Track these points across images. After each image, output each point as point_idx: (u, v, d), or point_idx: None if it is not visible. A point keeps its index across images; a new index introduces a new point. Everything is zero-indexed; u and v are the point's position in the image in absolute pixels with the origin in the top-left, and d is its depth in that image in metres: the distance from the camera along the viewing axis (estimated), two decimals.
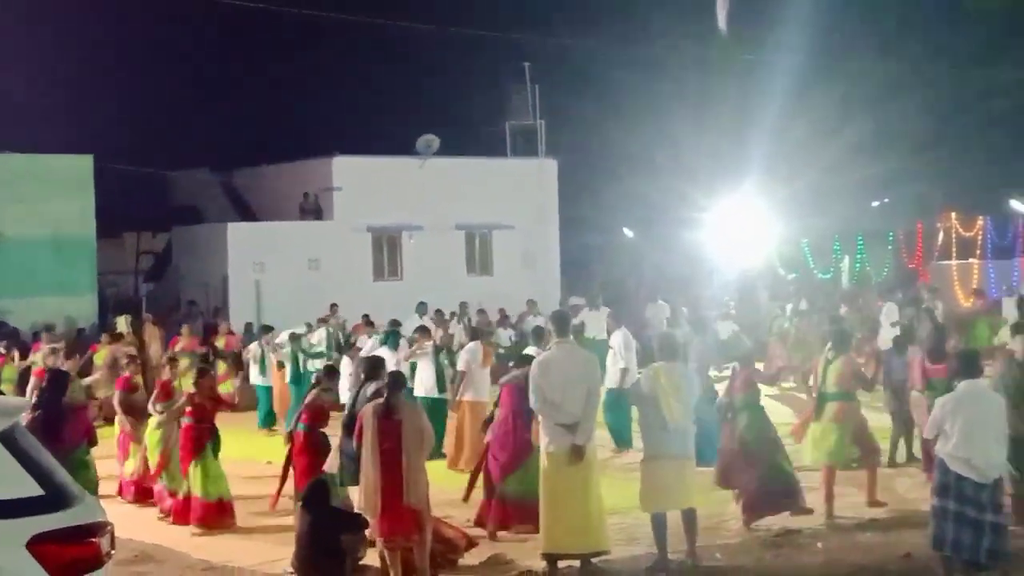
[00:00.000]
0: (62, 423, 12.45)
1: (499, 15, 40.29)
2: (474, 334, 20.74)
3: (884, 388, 17.87)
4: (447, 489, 15.35)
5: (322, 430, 14.45)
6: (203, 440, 14.93)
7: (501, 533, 13.92)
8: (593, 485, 12.07)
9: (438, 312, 29.25)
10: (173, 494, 15.31)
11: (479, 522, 14.20)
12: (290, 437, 14.73)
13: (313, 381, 15.96)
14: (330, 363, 19.65)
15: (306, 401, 14.91)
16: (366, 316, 27.89)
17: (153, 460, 15.31)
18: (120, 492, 16.58)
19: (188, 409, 15.08)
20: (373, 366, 13.85)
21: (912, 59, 41.32)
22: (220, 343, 28.57)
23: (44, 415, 12.51)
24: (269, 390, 24.13)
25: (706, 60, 39.12)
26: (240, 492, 15.74)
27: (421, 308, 29.06)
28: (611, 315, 23.99)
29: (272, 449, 20.71)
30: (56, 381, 13.36)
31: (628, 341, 19.71)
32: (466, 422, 18.36)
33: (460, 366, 18.95)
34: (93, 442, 13.32)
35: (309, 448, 14.33)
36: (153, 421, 15.14)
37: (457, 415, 18.64)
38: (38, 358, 20.15)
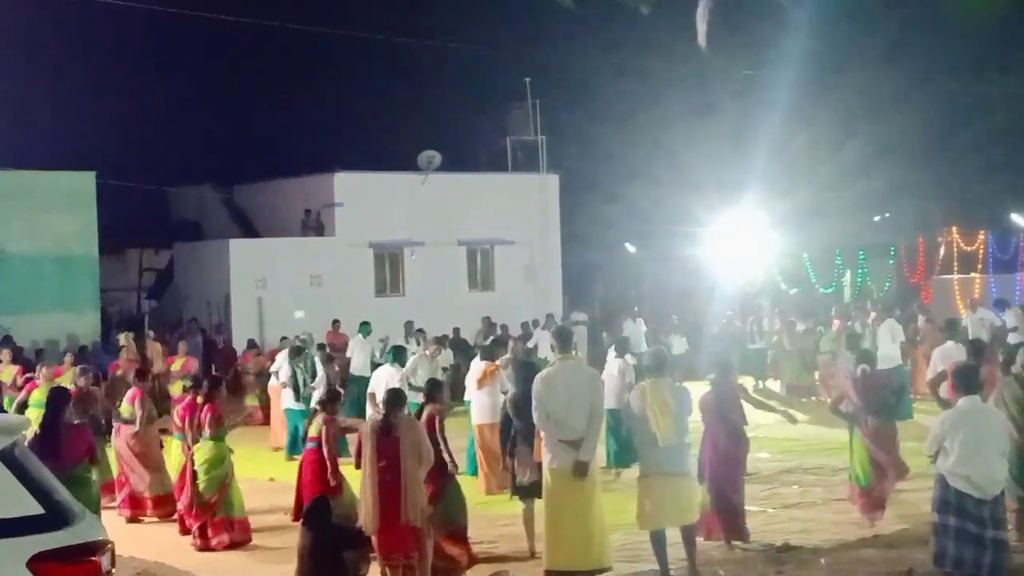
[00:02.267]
0: (62, 440, 12.44)
1: (500, 31, 40.39)
2: (485, 352, 20.36)
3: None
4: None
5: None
6: None
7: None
8: (596, 502, 12.04)
9: (419, 331, 29.06)
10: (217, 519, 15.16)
11: None
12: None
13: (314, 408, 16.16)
14: (332, 388, 19.71)
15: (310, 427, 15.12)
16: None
17: (212, 488, 15.09)
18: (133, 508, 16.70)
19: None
20: (395, 400, 13.24)
21: (912, 73, 41.38)
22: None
23: (43, 432, 12.51)
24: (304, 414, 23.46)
25: (706, 75, 39.15)
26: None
27: (409, 327, 29.30)
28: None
29: (276, 466, 20.77)
30: (57, 399, 13.36)
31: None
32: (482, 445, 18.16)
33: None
34: (94, 460, 13.31)
35: (316, 465, 14.41)
36: (209, 447, 14.98)
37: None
38: (68, 377, 20.15)
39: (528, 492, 13.29)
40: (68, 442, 12.56)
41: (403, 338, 27.94)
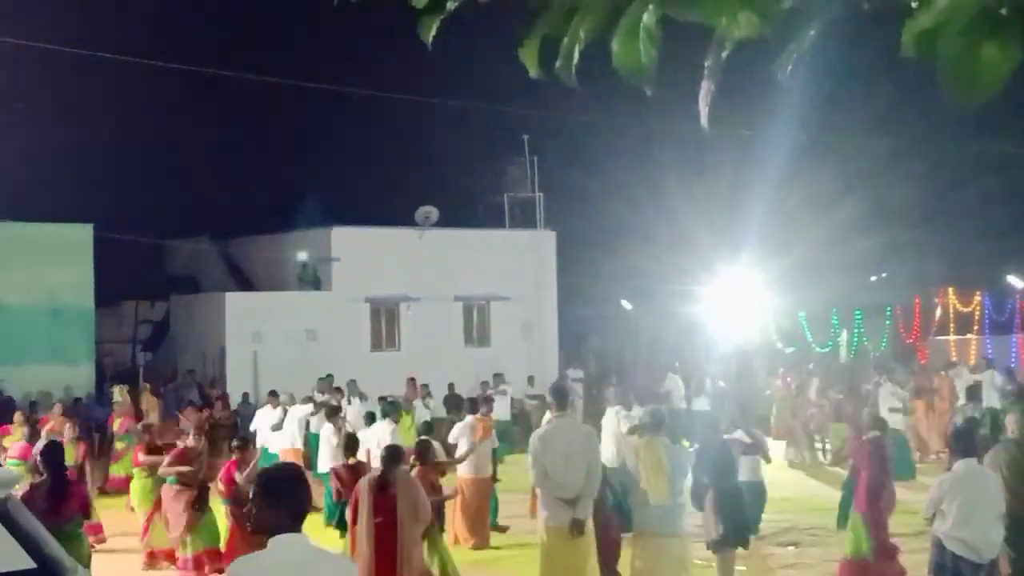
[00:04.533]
0: (66, 496, 12.47)
1: (499, 88, 40.56)
2: (472, 406, 20.51)
3: None
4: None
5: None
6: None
7: None
8: (591, 560, 12.02)
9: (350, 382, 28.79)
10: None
11: None
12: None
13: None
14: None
15: None
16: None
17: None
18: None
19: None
20: (393, 456, 13.14)
21: (908, 134, 41.55)
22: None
23: (51, 487, 12.54)
24: None
25: (703, 135, 39.26)
26: None
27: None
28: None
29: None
30: (56, 454, 13.35)
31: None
32: (461, 499, 18.06)
33: (450, 440, 18.81)
34: (88, 515, 13.27)
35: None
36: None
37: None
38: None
39: (720, 545, 13.37)
40: (68, 497, 12.55)
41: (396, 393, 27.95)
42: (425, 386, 30.19)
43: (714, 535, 13.40)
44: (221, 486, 15.30)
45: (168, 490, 16.08)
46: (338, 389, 28.18)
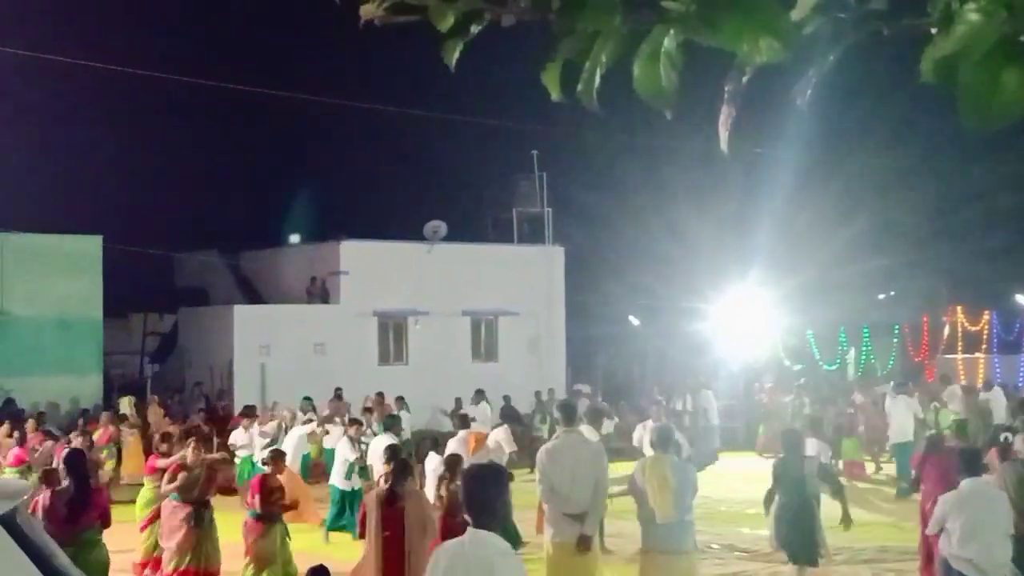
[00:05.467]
0: (89, 504, 12.49)
1: (508, 104, 40.66)
2: (463, 422, 20.54)
3: None
4: None
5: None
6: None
7: None
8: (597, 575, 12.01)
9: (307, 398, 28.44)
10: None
11: None
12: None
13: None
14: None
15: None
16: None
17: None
18: None
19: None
20: (403, 468, 13.13)
21: (917, 153, 41.59)
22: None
23: (74, 494, 12.55)
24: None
25: (712, 153, 39.27)
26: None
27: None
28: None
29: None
30: (80, 462, 13.35)
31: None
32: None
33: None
34: (107, 524, 13.28)
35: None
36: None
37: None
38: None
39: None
40: (88, 506, 12.57)
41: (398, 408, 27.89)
42: (400, 398, 29.76)
43: (775, 545, 13.79)
44: (249, 497, 15.14)
45: (167, 504, 15.92)
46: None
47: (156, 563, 16.36)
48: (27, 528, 7.64)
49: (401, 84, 49.89)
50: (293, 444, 22.32)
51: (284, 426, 24.20)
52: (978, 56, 2.40)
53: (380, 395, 29.25)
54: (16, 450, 21.64)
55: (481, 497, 6.44)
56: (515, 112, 41.10)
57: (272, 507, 14.74)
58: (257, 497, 14.71)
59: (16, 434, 23.12)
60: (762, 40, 2.45)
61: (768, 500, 13.86)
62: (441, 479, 14.44)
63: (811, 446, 16.71)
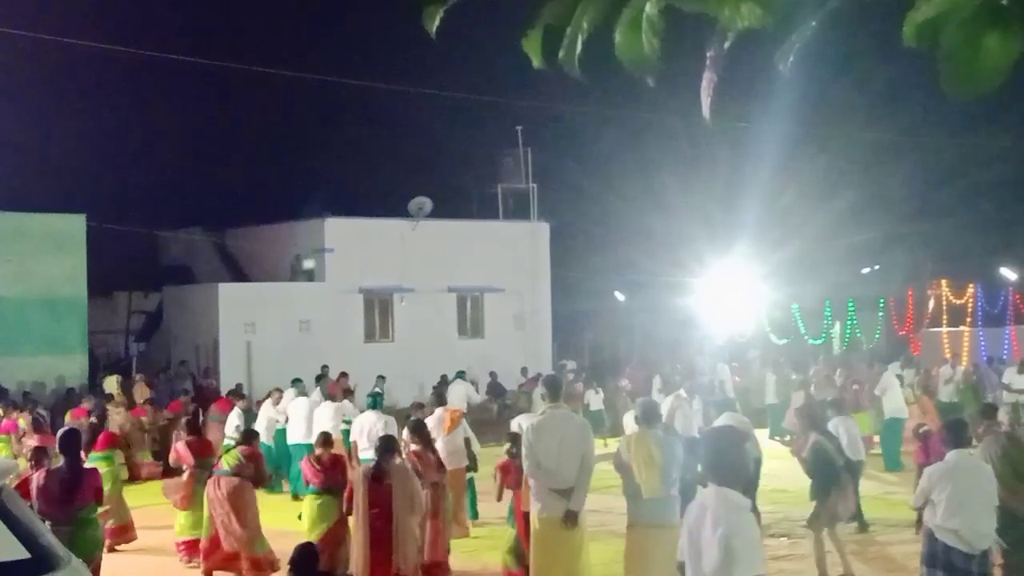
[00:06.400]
0: (82, 483, 12.49)
1: (492, 79, 40.56)
2: (439, 400, 20.42)
3: None
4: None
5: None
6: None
7: None
8: (584, 551, 12.02)
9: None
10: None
11: None
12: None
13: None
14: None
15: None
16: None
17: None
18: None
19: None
20: (388, 448, 13.12)
21: (902, 127, 41.60)
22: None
23: (68, 473, 12.55)
24: None
25: (697, 127, 39.29)
26: None
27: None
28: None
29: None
30: (74, 441, 13.34)
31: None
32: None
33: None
34: (101, 502, 13.28)
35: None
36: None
37: None
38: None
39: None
40: (83, 484, 12.58)
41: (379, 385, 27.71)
42: (381, 377, 29.18)
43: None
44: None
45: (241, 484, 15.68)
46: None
47: (193, 545, 16.24)
48: (13, 506, 7.63)
49: (385, 61, 49.76)
50: (329, 418, 21.94)
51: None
52: (960, 20, 2.38)
53: (344, 374, 28.69)
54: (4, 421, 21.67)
55: (725, 459, 7.48)
56: (500, 87, 41.09)
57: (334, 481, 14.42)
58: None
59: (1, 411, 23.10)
60: (743, 5, 2.42)
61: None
62: (406, 443, 14.49)
63: (834, 425, 16.93)
